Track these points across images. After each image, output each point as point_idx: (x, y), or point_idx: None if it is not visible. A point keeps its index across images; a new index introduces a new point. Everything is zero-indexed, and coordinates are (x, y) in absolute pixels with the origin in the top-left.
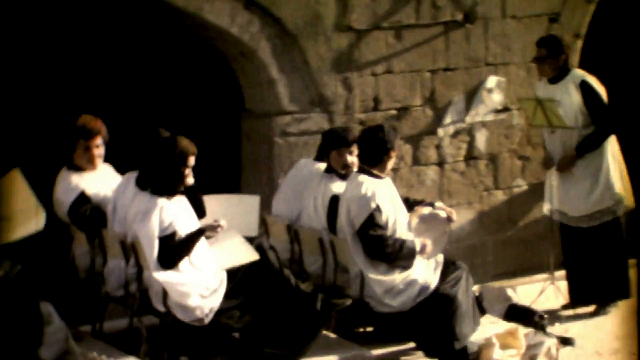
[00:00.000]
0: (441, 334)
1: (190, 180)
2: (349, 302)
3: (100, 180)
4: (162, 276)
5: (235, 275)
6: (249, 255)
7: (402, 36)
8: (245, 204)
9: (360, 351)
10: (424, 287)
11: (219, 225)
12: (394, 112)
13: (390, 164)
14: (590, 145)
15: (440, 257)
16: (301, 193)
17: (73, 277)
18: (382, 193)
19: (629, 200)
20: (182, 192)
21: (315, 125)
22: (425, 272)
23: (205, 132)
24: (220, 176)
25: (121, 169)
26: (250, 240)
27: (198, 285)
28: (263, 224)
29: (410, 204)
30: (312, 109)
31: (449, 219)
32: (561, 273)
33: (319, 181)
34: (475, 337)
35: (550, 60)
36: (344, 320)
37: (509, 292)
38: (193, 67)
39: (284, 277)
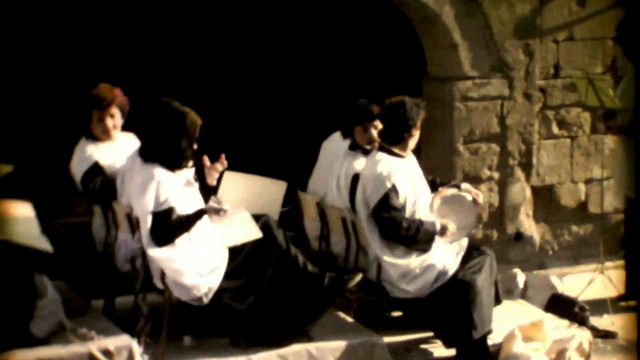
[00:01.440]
0: (459, 323)
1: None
2: (359, 277)
3: (118, 151)
4: (156, 252)
5: (238, 254)
6: (253, 233)
7: (585, 3)
8: (271, 188)
9: (370, 338)
10: (442, 273)
11: (221, 209)
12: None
13: (413, 142)
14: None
15: (464, 242)
16: (329, 170)
17: (91, 249)
18: (401, 172)
19: None
20: (193, 166)
21: (495, 90)
22: (444, 256)
23: (386, 96)
24: None
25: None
26: (256, 217)
27: (195, 263)
28: (297, 201)
29: (437, 186)
30: (492, 75)
31: (474, 202)
32: (612, 263)
33: (343, 158)
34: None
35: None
36: (364, 305)
37: (554, 280)
38: (377, 31)
39: (291, 256)
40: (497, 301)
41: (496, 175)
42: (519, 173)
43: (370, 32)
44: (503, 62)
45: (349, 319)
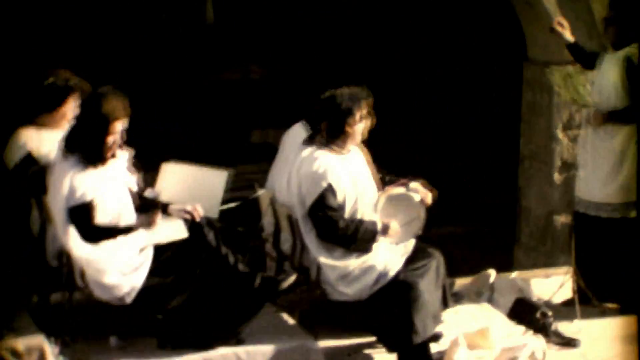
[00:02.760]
0: (399, 326)
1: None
2: (292, 279)
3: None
4: (75, 250)
5: (164, 252)
6: (179, 232)
7: None
8: (212, 178)
9: (305, 342)
10: (382, 274)
11: (152, 222)
12: None
13: (355, 137)
14: (621, 115)
15: (411, 243)
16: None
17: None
18: (339, 170)
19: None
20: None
21: None
22: (386, 257)
23: (486, 80)
24: (499, 124)
25: None
26: None
27: (117, 262)
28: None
29: (387, 183)
30: None
31: (422, 202)
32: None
33: (297, 152)
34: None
35: (617, 25)
36: (308, 307)
37: (521, 283)
38: (477, 14)
39: (221, 255)
40: (445, 305)
41: None
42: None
43: (470, 15)
44: (604, 46)
45: (291, 321)
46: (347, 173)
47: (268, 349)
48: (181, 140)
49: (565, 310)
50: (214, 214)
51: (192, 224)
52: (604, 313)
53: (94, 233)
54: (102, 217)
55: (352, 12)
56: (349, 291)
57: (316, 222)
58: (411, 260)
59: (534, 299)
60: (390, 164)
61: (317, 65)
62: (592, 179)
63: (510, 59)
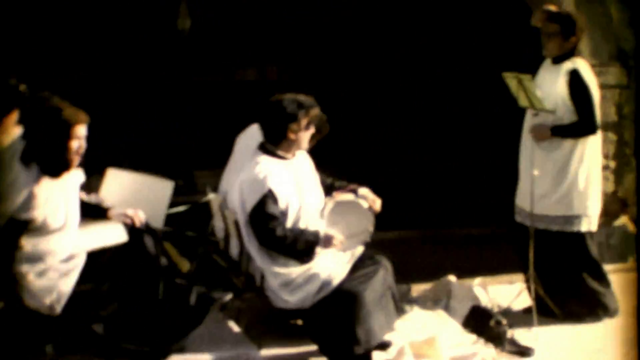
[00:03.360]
0: (341, 336)
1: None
2: (228, 296)
3: None
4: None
5: (98, 258)
6: (116, 236)
7: None
8: (157, 187)
9: (246, 350)
10: (326, 283)
11: (134, 221)
12: None
13: (300, 143)
14: (567, 130)
15: (358, 251)
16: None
17: None
18: (281, 176)
19: (593, 219)
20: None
21: (613, 79)
22: (330, 266)
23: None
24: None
25: None
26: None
27: (44, 268)
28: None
29: (335, 189)
30: (611, 63)
31: (370, 209)
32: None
33: (251, 156)
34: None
35: (559, 38)
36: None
37: (477, 291)
38: (492, 15)
39: (159, 265)
40: (398, 312)
41: (612, 164)
42: (635, 163)
43: (484, 16)
44: (622, 50)
45: (236, 329)
46: (291, 179)
47: (207, 358)
48: (192, 142)
49: (526, 317)
50: (158, 223)
51: (131, 230)
52: (564, 321)
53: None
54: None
55: (365, 11)
56: (291, 299)
57: (255, 229)
58: (357, 268)
59: (492, 306)
60: (409, 165)
61: (329, 65)
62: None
63: (526, 61)
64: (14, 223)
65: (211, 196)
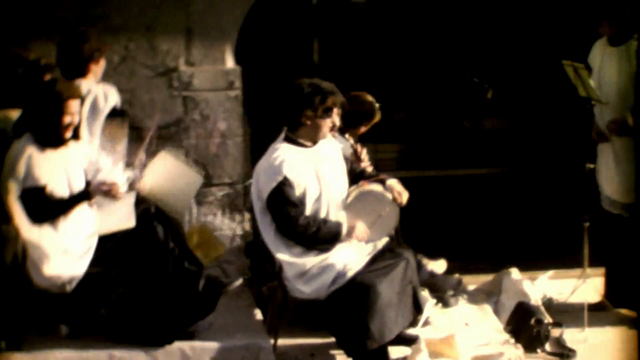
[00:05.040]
0: (354, 330)
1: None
2: (239, 282)
3: None
4: (24, 232)
5: (108, 241)
6: (125, 221)
7: None
8: (189, 180)
9: (256, 340)
10: (341, 274)
11: (111, 191)
12: None
13: (318, 129)
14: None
15: (382, 243)
16: None
17: None
18: (299, 163)
19: None
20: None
21: None
22: (347, 257)
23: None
24: None
25: None
26: (137, 203)
27: (57, 250)
28: None
29: (363, 179)
30: None
31: (396, 201)
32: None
33: (273, 144)
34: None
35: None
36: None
37: (526, 286)
38: None
39: (168, 249)
40: (417, 310)
41: None
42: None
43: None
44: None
45: (257, 318)
46: (311, 167)
47: (214, 345)
48: None
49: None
50: (181, 214)
51: (141, 214)
52: (621, 322)
53: (45, 215)
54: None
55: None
56: (306, 290)
57: (275, 217)
58: (376, 260)
59: (548, 301)
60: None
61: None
62: (615, 177)
63: None
64: (27, 193)
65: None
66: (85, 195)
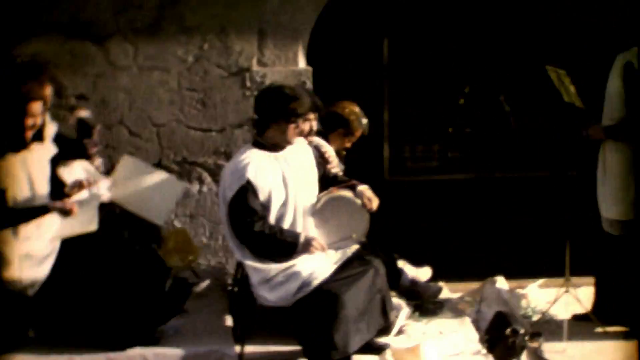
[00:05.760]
0: (318, 340)
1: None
2: (205, 284)
3: None
4: None
5: (70, 245)
6: (88, 224)
7: None
8: (167, 187)
9: (220, 347)
10: (306, 282)
11: (69, 210)
12: None
13: (284, 135)
14: (619, 130)
15: (351, 250)
16: None
17: None
18: (265, 168)
19: None
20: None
21: None
22: (314, 264)
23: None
24: None
25: None
26: (102, 206)
27: (19, 255)
28: None
29: (336, 184)
30: None
31: (364, 207)
32: (581, 280)
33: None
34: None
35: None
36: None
37: (507, 295)
38: None
39: (132, 252)
40: (385, 318)
41: None
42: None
43: None
44: None
45: (227, 324)
46: (278, 172)
47: (176, 352)
48: None
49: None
50: (160, 220)
51: (105, 218)
52: (604, 335)
53: (7, 218)
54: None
55: None
56: (271, 297)
57: (232, 222)
58: (345, 268)
59: (531, 312)
60: None
61: None
62: (602, 193)
63: None
64: None
65: None
66: (44, 210)
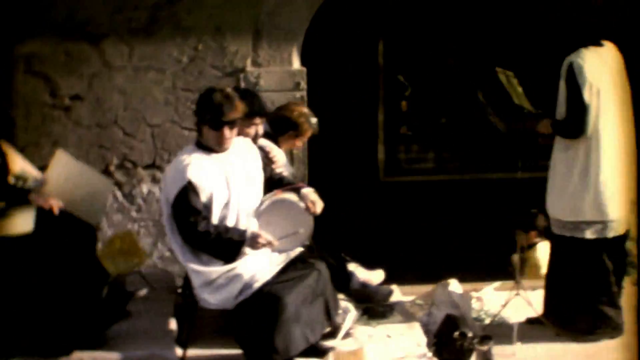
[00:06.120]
0: (259, 343)
1: None
2: (144, 291)
3: None
4: None
5: (3, 246)
6: (22, 225)
7: None
8: (99, 185)
9: (161, 351)
10: (248, 285)
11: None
12: None
13: (220, 137)
14: (560, 127)
15: (295, 252)
16: None
17: None
18: (206, 168)
19: (621, 222)
20: None
21: None
22: (256, 267)
23: None
24: None
25: None
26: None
27: None
28: None
29: (280, 186)
30: None
31: (309, 211)
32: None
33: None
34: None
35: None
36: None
37: (458, 298)
38: None
39: (68, 255)
40: (329, 321)
41: None
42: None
43: None
44: None
45: (171, 327)
46: (220, 173)
47: (115, 356)
48: None
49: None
50: (94, 219)
51: (42, 219)
52: (554, 338)
53: None
54: None
55: None
56: (212, 300)
57: (177, 223)
58: (287, 270)
59: (484, 315)
60: None
61: None
62: (549, 192)
63: None
64: None
65: None
66: None
